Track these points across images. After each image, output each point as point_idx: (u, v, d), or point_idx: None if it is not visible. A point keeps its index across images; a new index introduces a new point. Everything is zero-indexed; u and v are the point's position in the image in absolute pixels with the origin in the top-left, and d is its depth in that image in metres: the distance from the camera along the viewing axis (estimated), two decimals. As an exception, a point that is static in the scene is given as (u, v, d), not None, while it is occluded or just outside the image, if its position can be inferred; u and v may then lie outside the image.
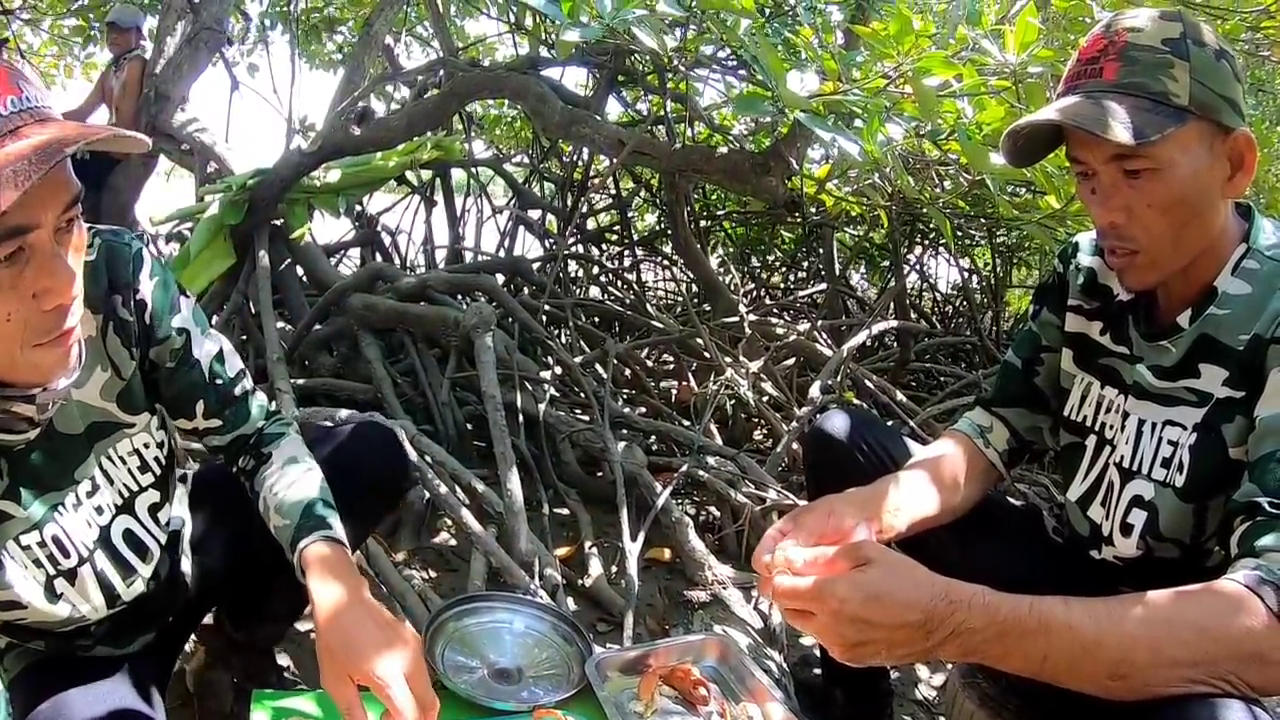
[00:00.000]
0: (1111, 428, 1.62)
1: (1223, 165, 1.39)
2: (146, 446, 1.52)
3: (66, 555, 1.39)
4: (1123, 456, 1.58)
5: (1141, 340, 1.57)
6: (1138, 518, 1.53)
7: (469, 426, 3.81)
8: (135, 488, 1.51)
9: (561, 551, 2.94)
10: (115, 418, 1.46)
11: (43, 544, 1.36)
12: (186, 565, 1.67)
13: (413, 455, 2.80)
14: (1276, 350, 1.35)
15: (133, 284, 1.43)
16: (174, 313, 1.49)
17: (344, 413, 2.95)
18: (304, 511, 1.49)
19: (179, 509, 1.66)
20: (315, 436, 1.79)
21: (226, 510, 1.74)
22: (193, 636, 2.01)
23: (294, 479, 1.55)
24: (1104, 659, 1.17)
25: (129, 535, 1.50)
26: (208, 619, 1.98)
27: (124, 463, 1.49)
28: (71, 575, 1.40)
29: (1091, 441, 1.67)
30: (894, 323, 4.86)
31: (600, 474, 3.56)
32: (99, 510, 1.45)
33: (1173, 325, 1.50)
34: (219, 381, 1.58)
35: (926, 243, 6.07)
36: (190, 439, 1.73)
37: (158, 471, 1.54)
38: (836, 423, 2.01)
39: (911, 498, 1.68)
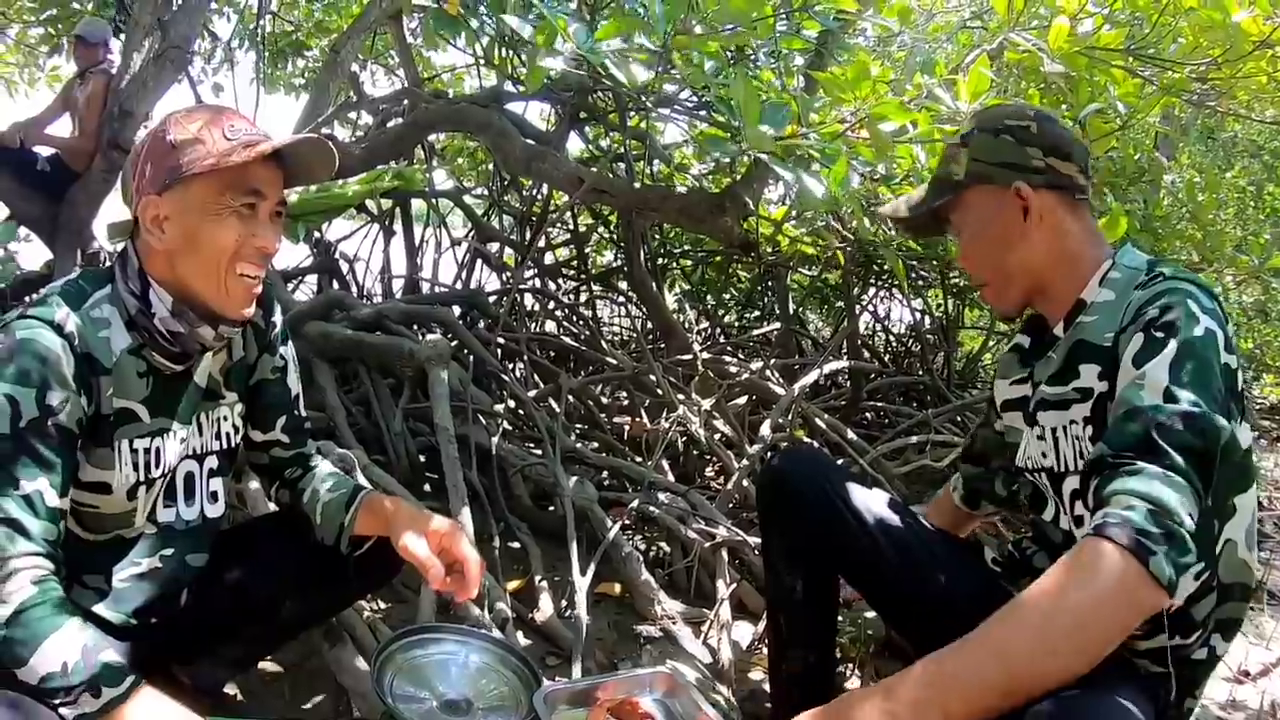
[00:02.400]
0: (1044, 455, 1.77)
1: (1014, 211, 1.73)
2: (226, 419, 1.89)
3: (158, 466, 1.74)
4: (1053, 464, 1.74)
5: (1034, 360, 1.83)
6: (1082, 510, 1.62)
7: (421, 458, 3.80)
8: (209, 448, 1.86)
9: (512, 585, 2.94)
10: (219, 388, 1.86)
11: (147, 451, 1.71)
12: (196, 561, 1.90)
13: (364, 483, 2.79)
14: (1125, 337, 1.56)
15: (270, 309, 1.92)
16: (286, 344, 1.99)
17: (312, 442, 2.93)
18: (353, 487, 1.96)
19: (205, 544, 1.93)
20: None
21: (237, 559, 1.99)
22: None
23: (340, 476, 2.02)
24: (992, 685, 1.29)
25: (189, 477, 1.84)
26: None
27: (211, 426, 1.86)
28: (150, 484, 1.73)
29: (1043, 478, 1.80)
30: (846, 362, 4.92)
31: (552, 508, 3.56)
32: (187, 448, 1.81)
33: (1052, 336, 1.77)
34: (297, 412, 2.02)
35: (880, 283, 6.13)
36: (255, 453, 2.02)
37: (227, 446, 1.90)
38: (790, 463, 2.07)
39: None
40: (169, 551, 1.82)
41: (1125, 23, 2.93)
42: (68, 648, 1.40)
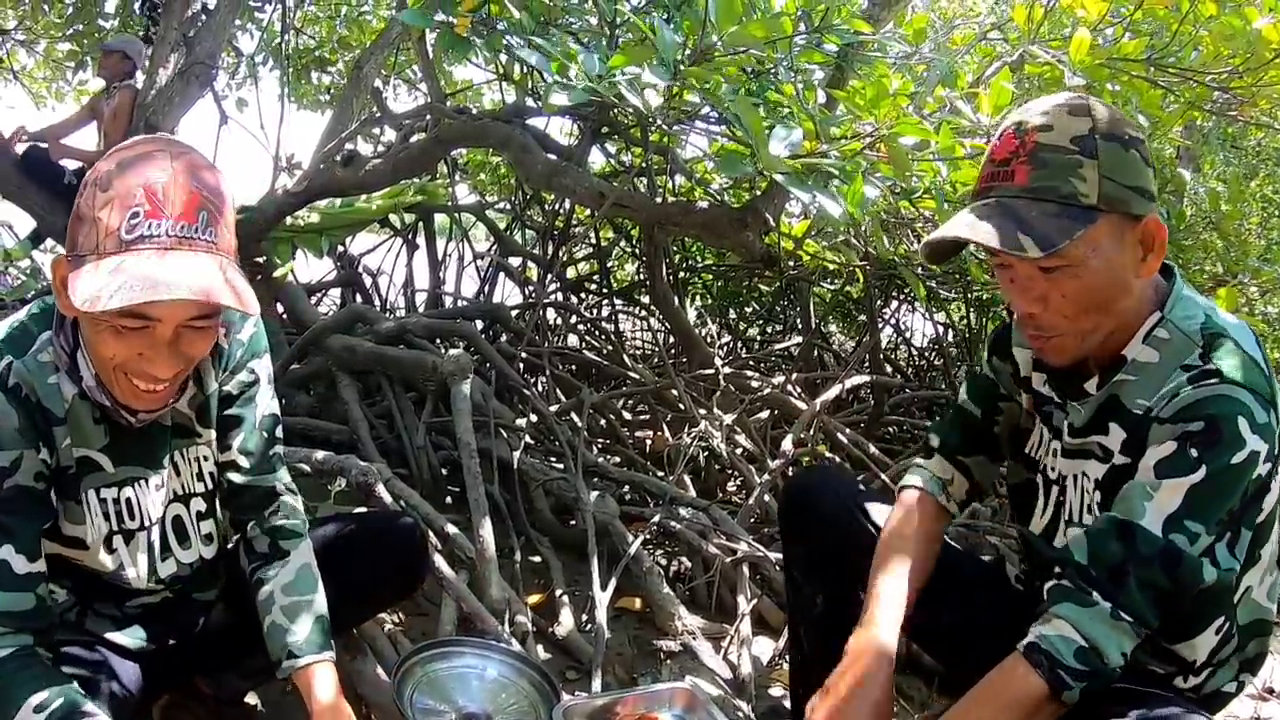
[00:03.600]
0: (1052, 469, 1.71)
1: (1134, 251, 1.45)
2: (206, 459, 1.76)
3: (133, 518, 1.63)
4: (1066, 504, 1.67)
5: (1065, 398, 1.65)
6: None
7: (444, 471, 3.82)
8: (191, 490, 1.74)
9: (532, 599, 2.95)
10: (192, 426, 1.71)
11: (116, 501, 1.61)
12: (205, 596, 1.87)
13: (387, 499, 2.82)
14: (1158, 429, 1.44)
15: (239, 325, 1.73)
16: (257, 358, 1.77)
17: (320, 454, 2.95)
18: (314, 625, 1.73)
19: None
20: (336, 526, 2.03)
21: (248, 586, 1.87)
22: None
23: (306, 590, 1.77)
24: None
25: (177, 521, 1.73)
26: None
27: (189, 465, 1.73)
28: (129, 536, 1.64)
29: (1040, 479, 1.74)
30: (868, 377, 4.91)
31: (573, 522, 3.57)
32: (168, 494, 1.69)
33: (1082, 390, 1.59)
34: (264, 434, 1.79)
35: (902, 297, 6.13)
36: (219, 471, 1.83)
37: (209, 485, 1.77)
38: (812, 479, 2.08)
39: (906, 595, 1.73)
40: (176, 588, 1.78)
41: (1146, 32, 2.93)
42: None
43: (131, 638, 1.73)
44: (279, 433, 1.84)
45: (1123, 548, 1.41)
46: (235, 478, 1.79)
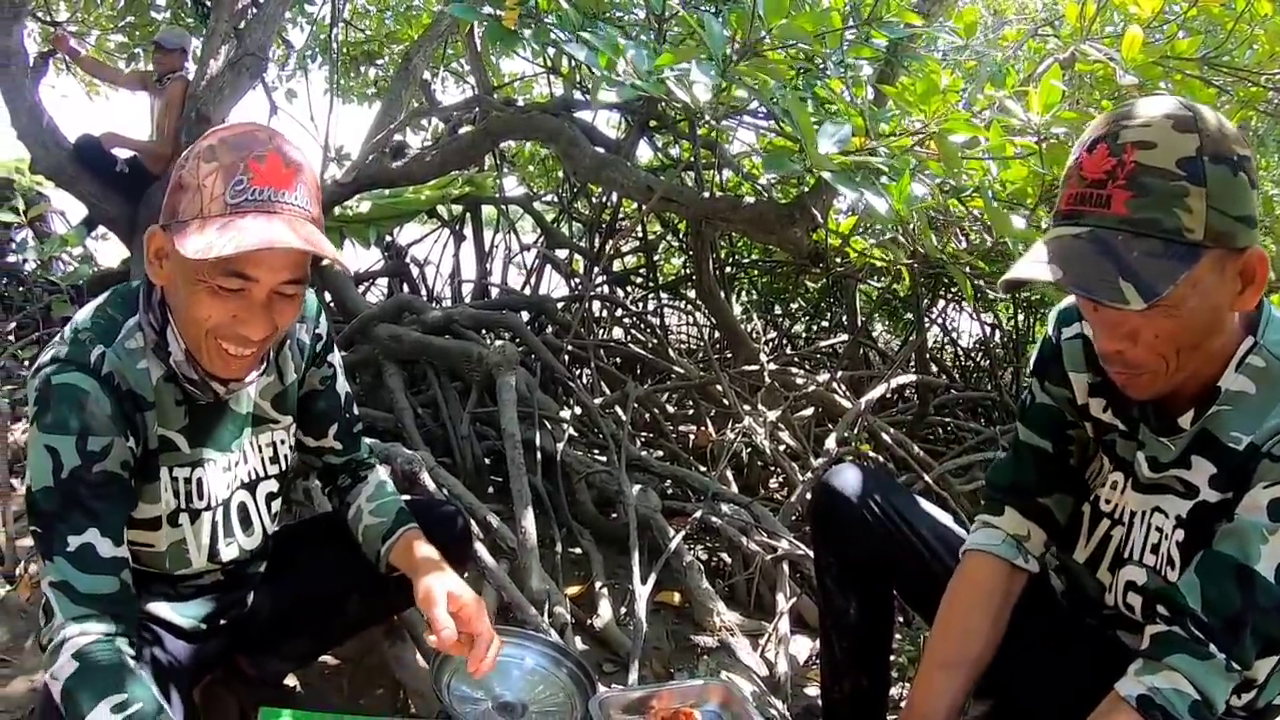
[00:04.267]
0: (1108, 502, 1.62)
1: (1233, 284, 1.31)
2: (282, 443, 1.86)
3: (201, 498, 1.70)
4: (1120, 539, 1.58)
5: (1146, 429, 1.52)
6: (1135, 600, 1.55)
7: (487, 461, 3.84)
8: (262, 474, 1.83)
9: (572, 590, 2.96)
10: (267, 414, 1.81)
11: (188, 480, 1.67)
12: (258, 569, 1.93)
13: (431, 487, 2.84)
14: (1268, 466, 1.33)
15: (315, 319, 1.85)
16: (331, 351, 1.91)
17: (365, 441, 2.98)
18: (397, 514, 1.92)
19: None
20: None
21: (304, 555, 2.05)
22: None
23: (386, 494, 1.98)
24: None
25: (242, 508, 1.80)
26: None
27: (261, 451, 1.82)
28: (195, 515, 1.70)
29: (1087, 509, 1.67)
30: (914, 376, 4.87)
31: (614, 515, 3.58)
32: (234, 479, 1.76)
33: (1174, 425, 1.46)
34: (348, 416, 1.98)
35: (949, 296, 6.07)
36: (309, 455, 2.01)
37: (282, 467, 1.87)
38: (844, 478, 1.96)
39: (964, 685, 1.66)
40: (231, 567, 1.83)
41: (1199, 30, 2.88)
42: None
43: (184, 617, 1.77)
44: (356, 410, 2.02)
45: (1240, 596, 1.33)
46: (333, 459, 2.00)
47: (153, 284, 1.57)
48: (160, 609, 1.74)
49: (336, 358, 1.94)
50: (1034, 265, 1.31)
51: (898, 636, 2.17)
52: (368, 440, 2.09)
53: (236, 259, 1.40)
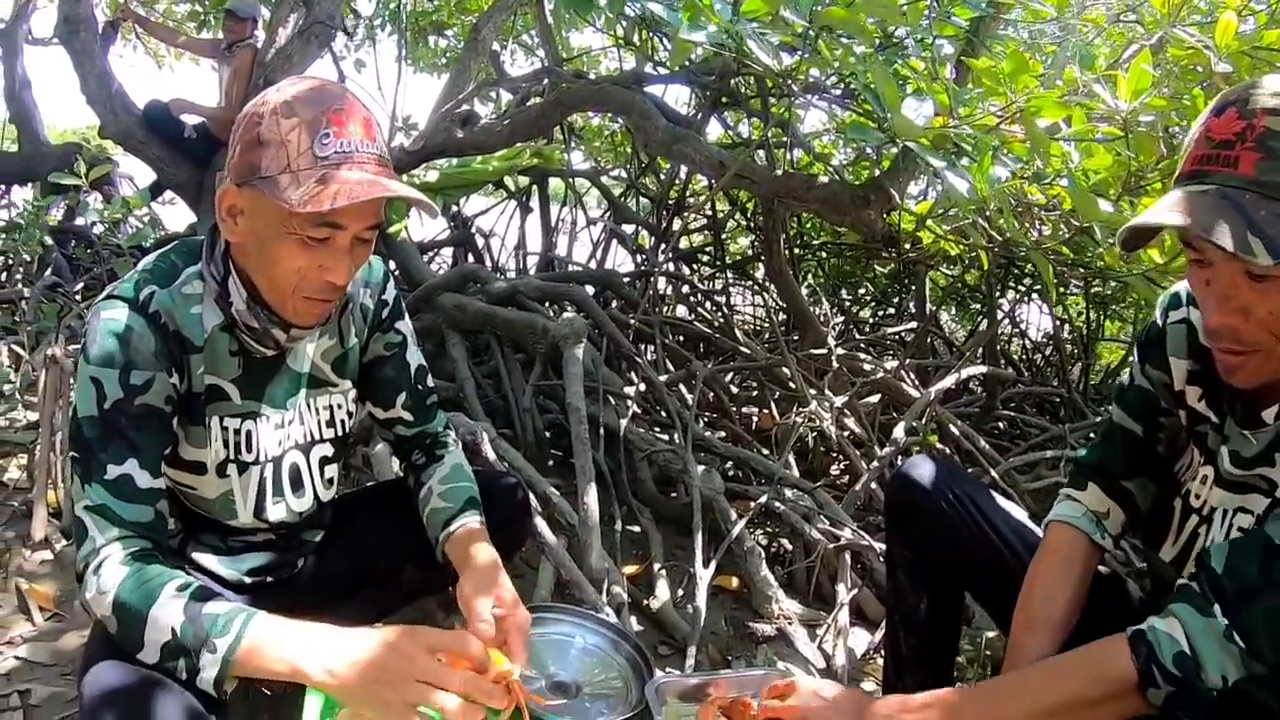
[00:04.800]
0: (1197, 496, 1.56)
1: None
2: (339, 407, 1.86)
3: (249, 450, 1.71)
4: (1206, 535, 1.52)
5: (1232, 422, 1.48)
6: None
7: (547, 435, 3.81)
8: (317, 436, 1.83)
9: (630, 570, 2.92)
10: (327, 376, 1.82)
11: (238, 431, 1.69)
12: (312, 537, 1.95)
13: (492, 459, 2.81)
14: None
15: (382, 285, 1.86)
16: (401, 319, 1.91)
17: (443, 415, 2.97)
18: (464, 502, 1.86)
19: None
20: None
21: (362, 523, 2.05)
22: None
23: (460, 479, 1.92)
24: None
25: (294, 469, 1.80)
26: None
27: (318, 414, 1.83)
28: (243, 467, 1.71)
29: (1178, 504, 1.60)
30: (983, 368, 4.76)
31: (675, 495, 3.53)
32: (287, 437, 1.77)
33: (1259, 418, 1.42)
34: (420, 387, 1.96)
35: (1021, 288, 5.95)
36: (382, 430, 2.01)
37: (339, 433, 1.87)
38: (921, 470, 1.92)
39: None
40: (284, 530, 1.84)
41: (1290, 21, 2.75)
42: (171, 614, 1.37)
43: (231, 569, 1.78)
44: (430, 382, 2.01)
45: (1259, 570, 1.29)
46: (403, 430, 1.98)
47: (214, 238, 1.61)
48: (206, 560, 1.76)
49: (407, 326, 1.93)
50: (1159, 213, 1.28)
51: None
52: (444, 422, 2.06)
53: (326, 211, 1.43)
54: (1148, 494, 1.72)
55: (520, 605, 1.67)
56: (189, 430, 1.64)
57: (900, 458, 3.49)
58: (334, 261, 1.52)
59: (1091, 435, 4.63)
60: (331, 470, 1.88)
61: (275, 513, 1.78)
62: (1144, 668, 1.30)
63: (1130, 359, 1.73)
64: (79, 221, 6.12)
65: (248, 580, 1.81)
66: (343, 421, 1.87)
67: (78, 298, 4.80)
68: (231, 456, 1.70)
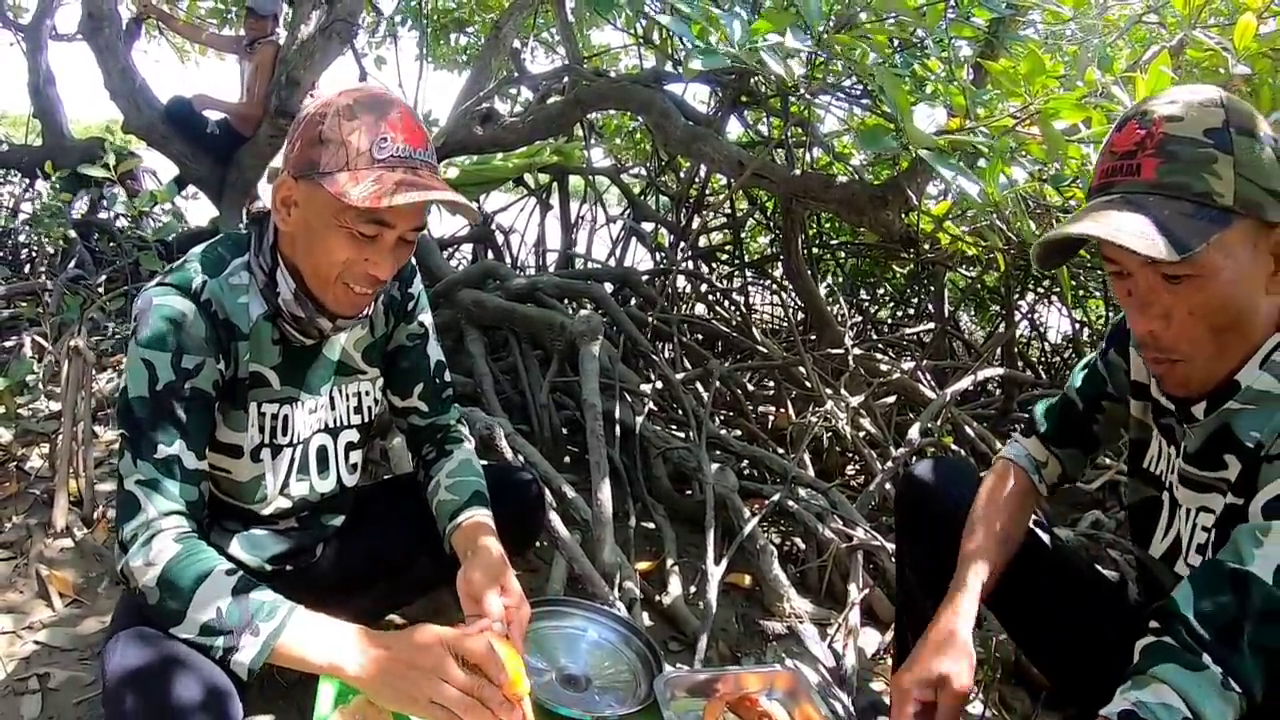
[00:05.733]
0: (1179, 490, 1.57)
1: (1266, 262, 1.31)
2: (366, 394, 1.94)
3: (285, 433, 1.79)
4: (1186, 533, 1.54)
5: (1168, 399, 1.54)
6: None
7: (564, 431, 3.83)
8: (345, 422, 1.91)
9: (642, 566, 2.94)
10: (357, 364, 1.91)
11: (274, 416, 1.77)
12: (333, 521, 2.00)
13: (508, 454, 2.83)
14: (1268, 469, 1.31)
15: (409, 280, 1.95)
16: (425, 312, 2.00)
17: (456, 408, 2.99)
18: (471, 495, 1.89)
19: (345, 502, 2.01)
20: None
21: (377, 515, 2.11)
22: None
23: (468, 474, 1.95)
24: None
25: (321, 451, 1.88)
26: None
27: (347, 400, 1.91)
28: (277, 450, 1.79)
29: (1166, 498, 1.61)
30: (1000, 370, 4.76)
31: (689, 492, 3.54)
32: (319, 421, 1.85)
33: (1189, 413, 1.46)
34: (437, 380, 2.04)
35: (1040, 290, 5.93)
36: (399, 419, 2.07)
37: (366, 419, 1.95)
38: (931, 472, 1.94)
39: (997, 562, 1.70)
40: (305, 513, 1.90)
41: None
42: (218, 594, 1.44)
43: (253, 555, 1.84)
44: (447, 376, 2.08)
45: (1235, 601, 1.25)
46: (417, 420, 2.05)
47: (262, 231, 1.70)
48: (229, 546, 1.81)
49: (429, 320, 2.01)
50: (1067, 225, 1.34)
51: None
52: (457, 416, 2.12)
53: (382, 208, 1.52)
54: (1078, 465, 1.89)
55: (525, 601, 1.72)
56: (228, 414, 1.71)
57: (915, 459, 3.50)
58: (379, 257, 1.61)
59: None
60: (356, 456, 1.95)
61: (298, 489, 1.85)
62: None
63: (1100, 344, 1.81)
64: (101, 215, 6.19)
65: (269, 568, 1.86)
66: (369, 409, 1.95)
67: (100, 290, 4.85)
68: (266, 441, 1.77)
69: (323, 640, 1.44)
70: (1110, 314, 5.73)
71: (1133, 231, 1.25)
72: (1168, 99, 1.32)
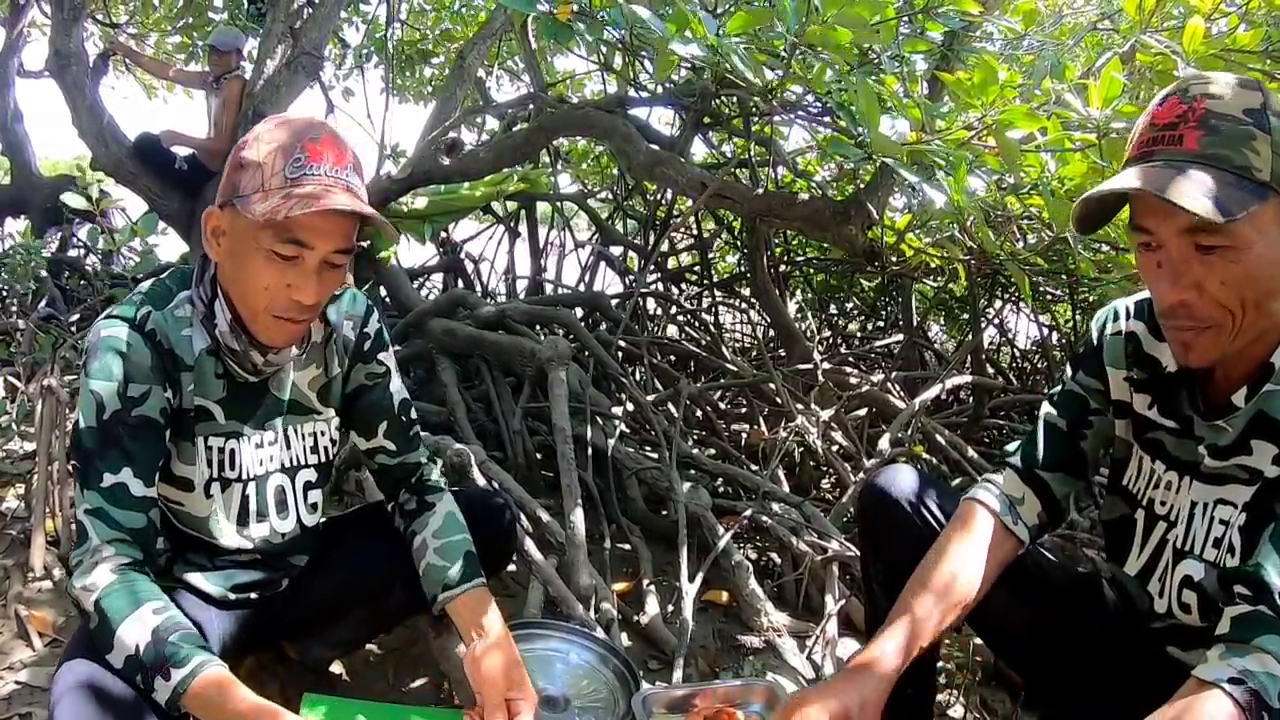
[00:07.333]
0: (1163, 504, 1.58)
1: None
2: (323, 434, 1.92)
3: (233, 468, 1.78)
4: (1177, 536, 1.54)
5: (1199, 419, 1.51)
6: (1190, 598, 1.50)
7: (538, 456, 3.84)
8: (302, 462, 1.89)
9: (619, 586, 2.94)
10: (311, 404, 1.88)
11: (221, 450, 1.76)
12: (298, 561, 1.98)
13: (480, 481, 2.84)
14: None
15: (364, 319, 1.91)
16: (384, 350, 1.96)
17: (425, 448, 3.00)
18: (465, 560, 1.88)
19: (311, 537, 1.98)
20: None
21: (350, 544, 2.08)
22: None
23: (455, 533, 1.93)
24: None
25: (279, 491, 1.86)
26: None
27: (303, 439, 1.88)
28: (226, 484, 1.78)
29: (1141, 515, 1.62)
30: (969, 377, 4.80)
31: (665, 512, 3.56)
32: (270, 459, 1.83)
33: (1229, 404, 1.44)
34: (403, 418, 1.98)
35: (1007, 297, 5.98)
36: (368, 461, 2.04)
37: (323, 459, 1.92)
38: (894, 480, 1.90)
39: (931, 624, 1.60)
40: (268, 551, 1.89)
41: (1261, 23, 2.79)
42: (139, 631, 1.47)
43: (216, 586, 1.83)
44: (413, 414, 2.03)
45: None
46: (385, 460, 2.00)
47: (205, 264, 1.71)
48: (193, 576, 1.81)
49: (390, 359, 1.98)
50: (1113, 182, 1.36)
51: (945, 642, 2.12)
52: (427, 455, 2.08)
53: (295, 227, 1.53)
54: (1066, 490, 1.77)
55: (528, 684, 1.74)
56: (180, 446, 1.72)
57: (884, 468, 3.51)
58: (301, 281, 1.59)
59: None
60: (315, 495, 1.93)
61: (259, 530, 1.84)
62: (1256, 715, 1.21)
63: (1064, 371, 1.79)
64: (71, 252, 6.16)
65: (232, 596, 1.85)
66: (326, 449, 1.93)
67: (73, 329, 4.83)
68: (215, 475, 1.76)
69: (221, 710, 1.47)
70: (1077, 317, 5.79)
71: (1180, 190, 1.27)
72: (1209, 80, 1.36)
